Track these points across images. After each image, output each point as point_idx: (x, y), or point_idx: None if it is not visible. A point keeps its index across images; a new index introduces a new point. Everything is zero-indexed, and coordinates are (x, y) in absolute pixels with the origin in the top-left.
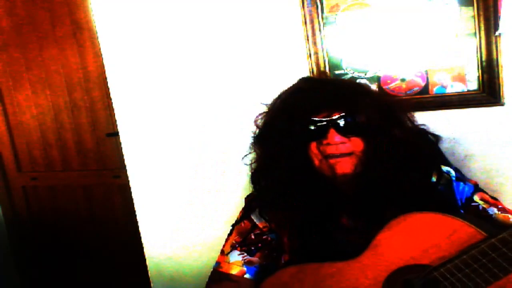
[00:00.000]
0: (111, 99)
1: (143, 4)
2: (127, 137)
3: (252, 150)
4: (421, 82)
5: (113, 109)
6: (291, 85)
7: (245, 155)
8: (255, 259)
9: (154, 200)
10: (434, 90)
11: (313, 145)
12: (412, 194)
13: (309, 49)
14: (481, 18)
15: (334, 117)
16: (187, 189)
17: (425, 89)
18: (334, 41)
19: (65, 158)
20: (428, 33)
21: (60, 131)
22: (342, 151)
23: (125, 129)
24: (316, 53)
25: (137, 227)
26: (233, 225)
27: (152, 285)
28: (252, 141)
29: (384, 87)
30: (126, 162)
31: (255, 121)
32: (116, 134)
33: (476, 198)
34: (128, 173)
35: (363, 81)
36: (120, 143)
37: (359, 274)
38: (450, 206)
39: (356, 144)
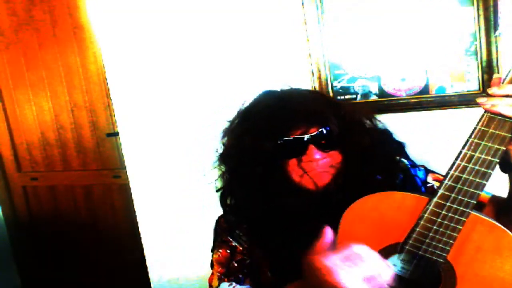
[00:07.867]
0: (111, 99)
1: (143, 4)
2: (127, 137)
3: (217, 167)
4: (421, 82)
5: (113, 109)
6: (253, 101)
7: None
8: (245, 286)
9: (154, 200)
10: (434, 90)
11: (292, 162)
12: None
13: (309, 49)
14: (481, 18)
15: (312, 133)
16: (187, 189)
17: (425, 89)
18: (334, 41)
19: (65, 158)
20: (428, 33)
21: (60, 131)
22: (323, 166)
23: (125, 129)
24: (316, 53)
25: (137, 227)
26: (212, 250)
27: (152, 285)
28: (217, 159)
29: (384, 87)
30: (126, 162)
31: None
32: (116, 134)
33: (429, 179)
34: (128, 173)
35: (363, 81)
36: (120, 143)
37: None
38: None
39: (334, 157)
